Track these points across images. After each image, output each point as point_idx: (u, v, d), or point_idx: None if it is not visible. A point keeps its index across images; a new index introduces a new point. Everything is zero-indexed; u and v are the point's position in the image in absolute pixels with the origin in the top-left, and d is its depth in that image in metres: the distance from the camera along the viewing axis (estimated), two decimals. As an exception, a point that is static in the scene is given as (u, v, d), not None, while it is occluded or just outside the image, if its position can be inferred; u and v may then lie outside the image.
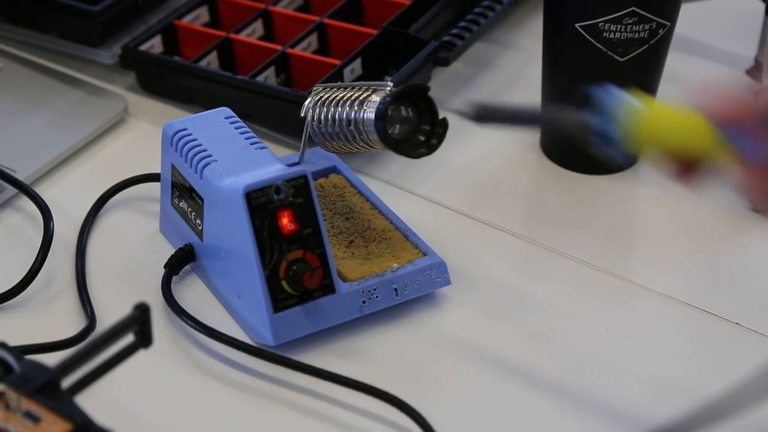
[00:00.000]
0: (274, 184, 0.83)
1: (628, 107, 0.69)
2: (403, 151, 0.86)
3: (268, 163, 0.86)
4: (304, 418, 0.81)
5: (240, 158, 0.87)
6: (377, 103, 0.85)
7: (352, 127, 0.87)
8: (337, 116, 0.88)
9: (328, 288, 0.85)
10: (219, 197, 0.85)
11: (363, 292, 0.86)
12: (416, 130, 0.87)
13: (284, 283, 0.83)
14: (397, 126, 0.87)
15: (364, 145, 0.88)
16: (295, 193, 0.84)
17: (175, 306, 0.86)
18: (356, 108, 0.87)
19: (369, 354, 0.86)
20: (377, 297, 0.86)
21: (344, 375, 0.81)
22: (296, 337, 0.84)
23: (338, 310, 0.85)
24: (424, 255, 0.89)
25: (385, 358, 0.86)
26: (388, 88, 0.86)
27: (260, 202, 0.83)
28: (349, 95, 0.88)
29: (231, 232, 0.84)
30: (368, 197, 0.95)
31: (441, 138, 0.87)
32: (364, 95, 0.87)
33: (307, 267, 0.83)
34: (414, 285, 0.88)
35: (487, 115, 0.77)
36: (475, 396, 0.83)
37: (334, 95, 0.89)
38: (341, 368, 0.84)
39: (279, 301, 0.83)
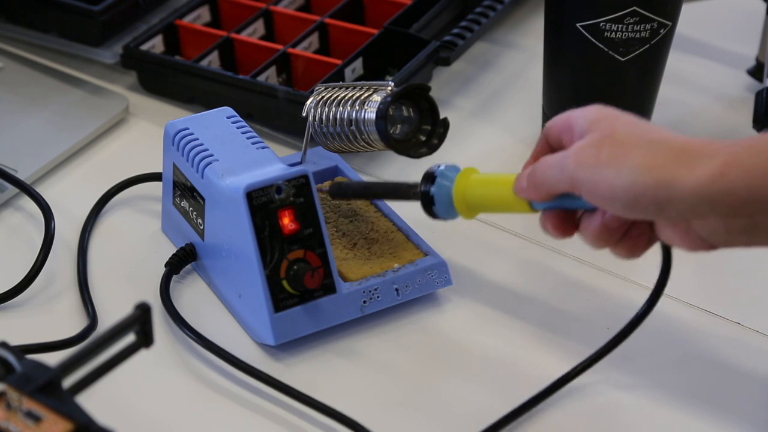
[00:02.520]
0: (275, 183, 0.83)
1: (449, 180, 0.80)
2: (404, 151, 0.86)
3: (270, 162, 0.86)
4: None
5: (241, 158, 0.87)
6: (378, 103, 0.85)
7: (353, 127, 0.87)
8: (338, 116, 0.88)
9: (328, 288, 0.85)
10: (220, 197, 0.85)
11: (364, 292, 0.86)
12: (417, 130, 0.87)
13: (285, 283, 0.83)
14: (398, 126, 0.87)
15: (366, 145, 0.88)
16: (296, 192, 0.84)
17: (172, 311, 0.86)
18: (357, 108, 0.87)
19: (369, 354, 0.86)
20: (378, 297, 0.86)
21: (322, 402, 0.81)
22: (297, 336, 0.84)
23: (339, 309, 0.85)
24: (426, 255, 0.89)
25: (385, 358, 0.86)
26: (389, 88, 0.86)
27: (261, 202, 0.83)
28: (350, 95, 0.88)
29: (232, 231, 0.84)
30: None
31: (442, 138, 0.87)
32: (366, 95, 0.87)
33: (308, 267, 0.83)
34: (415, 285, 0.88)
35: (339, 192, 0.89)
36: (475, 396, 0.83)
37: (335, 95, 0.89)
38: (341, 368, 0.84)
39: (279, 300, 0.83)
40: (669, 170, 0.69)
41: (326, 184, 0.92)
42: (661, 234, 0.73)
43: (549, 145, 0.78)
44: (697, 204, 0.69)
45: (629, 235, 0.75)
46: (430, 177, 0.81)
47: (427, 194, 0.80)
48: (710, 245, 0.72)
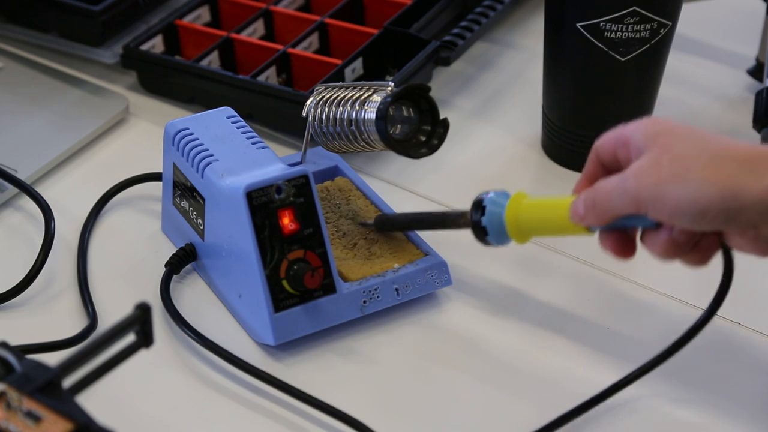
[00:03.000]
0: (275, 183, 0.83)
1: (502, 205, 0.80)
2: (404, 151, 0.86)
3: (270, 162, 0.86)
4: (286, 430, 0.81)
5: (241, 158, 0.87)
6: (378, 103, 0.85)
7: (353, 127, 0.87)
8: (338, 116, 0.88)
9: (328, 288, 0.85)
10: (220, 197, 0.85)
11: (364, 291, 0.86)
12: (417, 130, 0.87)
13: (285, 283, 0.83)
14: (399, 126, 0.87)
15: (366, 145, 0.88)
16: (296, 192, 0.84)
17: (173, 311, 0.86)
18: (357, 108, 0.87)
19: (370, 354, 0.86)
20: (378, 297, 0.86)
21: (323, 400, 0.81)
22: (297, 336, 0.84)
23: (339, 309, 0.85)
24: (426, 255, 0.89)
25: (385, 358, 0.86)
26: (389, 88, 0.86)
27: (261, 202, 0.83)
28: (350, 95, 0.88)
29: (232, 231, 0.84)
30: (372, 199, 0.95)
31: (442, 138, 0.87)
32: (366, 95, 0.87)
33: (308, 267, 0.83)
34: (415, 285, 0.88)
35: (385, 223, 0.90)
36: (476, 395, 0.83)
37: (335, 95, 0.89)
38: (342, 368, 0.84)
39: (279, 300, 0.83)
40: (734, 180, 0.69)
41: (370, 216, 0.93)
42: (731, 242, 0.74)
43: (601, 164, 0.77)
44: (766, 211, 0.69)
45: (699, 245, 0.75)
46: (479, 205, 0.81)
47: (479, 223, 0.81)
48: None
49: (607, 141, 0.77)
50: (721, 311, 0.90)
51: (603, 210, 0.74)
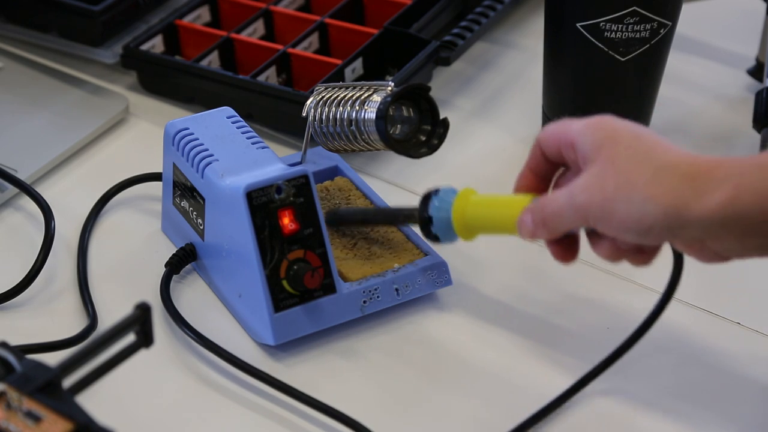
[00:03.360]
0: (275, 183, 0.83)
1: (449, 201, 0.80)
2: (404, 151, 0.86)
3: (270, 162, 0.86)
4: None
5: (241, 158, 0.87)
6: (378, 103, 0.85)
7: (353, 127, 0.87)
8: (338, 116, 0.88)
9: (328, 288, 0.85)
10: (220, 197, 0.85)
11: (364, 292, 0.86)
12: (417, 130, 0.87)
13: (285, 283, 0.83)
14: (399, 126, 0.87)
15: (366, 145, 0.88)
16: (296, 192, 0.84)
17: (173, 311, 0.86)
18: (357, 108, 0.87)
19: (369, 354, 0.86)
20: (378, 297, 0.86)
21: (323, 401, 0.81)
22: (297, 336, 0.84)
23: (339, 309, 0.85)
24: (426, 255, 0.89)
25: (385, 358, 0.85)
26: (389, 88, 0.86)
27: (261, 202, 0.83)
28: (350, 95, 0.88)
29: (232, 231, 0.84)
30: (372, 199, 0.94)
31: (442, 138, 0.87)
32: (366, 95, 0.87)
33: (308, 267, 0.83)
34: (415, 285, 0.88)
35: (336, 218, 0.89)
36: (476, 395, 0.83)
37: (335, 95, 0.89)
38: (342, 369, 0.84)
39: (279, 300, 0.83)
40: (677, 198, 0.69)
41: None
42: (677, 248, 0.75)
43: (544, 157, 0.78)
44: (710, 228, 0.69)
45: (642, 249, 0.76)
46: (427, 200, 0.81)
47: (425, 218, 0.81)
48: (725, 258, 0.73)
49: (551, 137, 0.77)
50: (721, 311, 0.90)
51: (554, 227, 0.75)
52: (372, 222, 0.90)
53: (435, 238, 0.82)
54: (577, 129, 0.74)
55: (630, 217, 0.70)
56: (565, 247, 0.77)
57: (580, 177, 0.73)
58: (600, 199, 0.71)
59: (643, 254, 0.76)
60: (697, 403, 0.83)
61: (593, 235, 0.76)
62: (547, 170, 0.79)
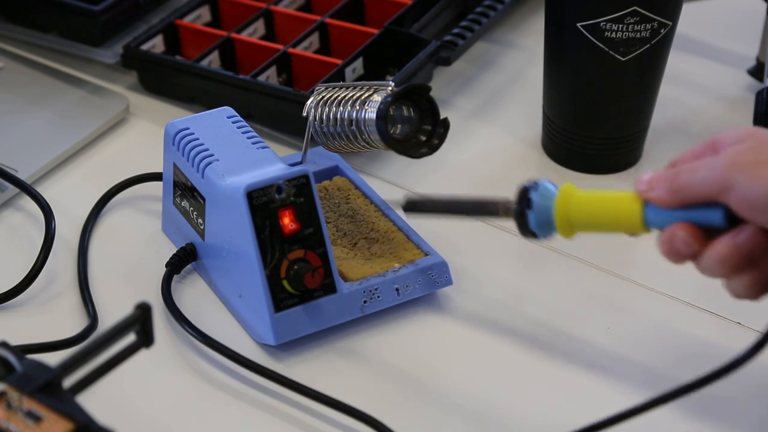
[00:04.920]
0: (275, 183, 0.83)
1: (551, 197, 0.75)
2: (405, 151, 0.86)
3: (270, 162, 0.86)
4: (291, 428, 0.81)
5: (242, 158, 0.87)
6: (378, 103, 0.85)
7: (353, 127, 0.87)
8: (338, 116, 0.88)
9: (329, 288, 0.85)
10: (221, 197, 0.85)
11: (364, 291, 0.86)
12: (417, 130, 0.87)
13: (285, 283, 0.83)
14: (399, 126, 0.87)
15: (366, 145, 0.88)
16: (297, 192, 0.84)
17: (174, 310, 0.86)
18: (357, 108, 0.87)
19: (370, 354, 0.86)
20: (379, 297, 0.86)
21: (330, 396, 0.81)
22: (297, 336, 0.84)
23: (339, 309, 0.85)
24: (426, 255, 0.89)
25: (386, 358, 0.86)
26: (389, 88, 0.86)
27: (261, 202, 0.83)
28: (350, 95, 0.88)
29: (232, 231, 0.84)
30: (371, 199, 0.95)
31: (442, 138, 0.87)
32: (366, 95, 0.87)
33: (309, 267, 0.83)
34: (416, 285, 0.88)
35: (418, 205, 0.84)
36: (476, 396, 0.83)
37: (335, 95, 0.89)
38: (342, 368, 0.84)
39: (280, 300, 0.83)
40: None
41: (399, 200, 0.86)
42: None
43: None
44: None
45: (757, 265, 0.70)
46: (525, 193, 0.76)
47: (524, 215, 0.76)
48: None
49: (690, 153, 0.72)
50: (721, 311, 0.90)
51: (683, 186, 0.69)
52: (455, 213, 0.84)
53: (531, 234, 0.76)
54: (722, 134, 0.71)
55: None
56: (696, 231, 0.70)
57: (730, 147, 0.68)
58: (750, 161, 0.67)
59: (755, 272, 0.69)
60: (696, 404, 0.83)
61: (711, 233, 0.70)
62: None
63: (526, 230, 0.76)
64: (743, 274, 0.70)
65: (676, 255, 0.71)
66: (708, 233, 0.70)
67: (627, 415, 0.74)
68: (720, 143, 0.71)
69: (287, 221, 0.83)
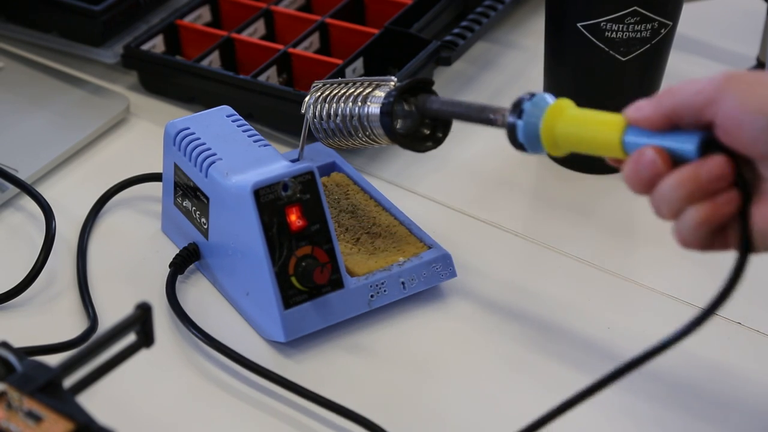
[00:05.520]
0: (281, 180, 0.83)
1: (540, 112, 0.74)
2: (410, 145, 0.86)
3: (273, 160, 0.86)
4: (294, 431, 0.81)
5: (245, 156, 0.87)
6: (382, 98, 0.85)
7: (355, 122, 0.87)
8: (340, 112, 0.88)
9: (336, 283, 0.85)
10: (226, 196, 0.85)
11: (371, 286, 0.86)
12: (420, 124, 0.87)
13: (294, 280, 0.83)
14: (399, 120, 0.87)
15: (368, 140, 0.88)
16: (303, 189, 0.84)
17: (179, 311, 0.86)
18: (360, 104, 0.87)
19: (378, 348, 0.86)
20: (385, 291, 0.86)
21: (332, 400, 0.80)
22: (307, 332, 0.84)
23: (347, 304, 0.85)
24: (429, 248, 0.89)
25: (393, 351, 0.85)
26: (392, 83, 0.86)
27: (268, 199, 0.83)
28: (351, 91, 0.88)
29: (239, 230, 0.84)
30: (371, 194, 0.95)
31: (446, 131, 0.87)
32: (367, 91, 0.87)
33: (316, 263, 0.83)
34: (421, 278, 0.88)
35: (425, 105, 0.83)
36: (479, 389, 0.83)
37: (336, 91, 0.89)
38: (350, 363, 0.84)
39: (289, 297, 0.83)
40: None
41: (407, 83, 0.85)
42: (764, 199, 0.66)
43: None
44: None
45: (713, 200, 0.67)
46: (518, 105, 0.75)
47: (513, 126, 0.75)
48: None
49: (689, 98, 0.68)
50: (723, 311, 0.90)
51: (672, 95, 0.67)
52: (458, 114, 0.83)
53: (520, 147, 0.75)
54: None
55: (758, 101, 0.64)
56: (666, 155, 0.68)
57: None
58: (747, 80, 0.65)
59: (713, 206, 0.66)
60: (697, 404, 0.83)
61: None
62: None
63: (516, 143, 0.75)
64: (696, 206, 0.67)
65: (638, 177, 0.68)
66: (677, 165, 0.68)
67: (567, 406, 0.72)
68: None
69: (294, 218, 0.83)
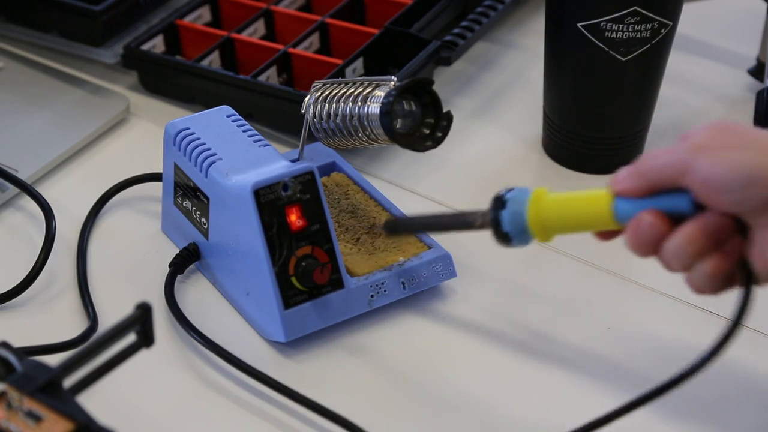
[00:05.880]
0: (281, 180, 0.83)
1: (523, 202, 0.75)
2: (409, 145, 0.86)
3: (274, 160, 0.86)
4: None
5: (245, 156, 0.87)
6: (382, 98, 0.85)
7: (355, 122, 0.87)
8: (340, 111, 0.88)
9: (336, 283, 0.85)
10: (226, 195, 0.85)
11: (371, 286, 0.86)
12: (420, 124, 0.87)
13: (294, 280, 0.83)
14: (399, 120, 0.87)
15: (368, 140, 0.88)
16: (303, 189, 0.84)
17: (178, 313, 0.86)
18: (360, 103, 0.87)
19: (378, 348, 0.86)
20: (385, 291, 0.86)
21: (326, 406, 0.80)
22: (307, 332, 0.84)
23: (347, 304, 0.85)
24: (429, 248, 0.89)
25: (394, 352, 0.85)
26: (392, 83, 0.86)
27: (268, 199, 0.83)
28: (351, 90, 0.88)
29: (239, 230, 0.84)
30: (371, 193, 0.95)
31: (446, 131, 0.87)
32: (367, 90, 0.87)
33: (316, 263, 0.83)
34: (421, 278, 0.88)
35: (398, 227, 0.86)
36: (480, 389, 0.83)
37: (336, 91, 0.89)
38: (351, 363, 0.84)
39: (289, 297, 0.83)
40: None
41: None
42: (757, 243, 0.69)
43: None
44: None
45: (721, 251, 0.70)
46: (498, 203, 0.76)
47: (498, 221, 0.75)
48: None
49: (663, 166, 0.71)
50: (723, 311, 0.90)
51: (647, 170, 0.70)
52: (434, 229, 0.86)
53: (508, 241, 0.76)
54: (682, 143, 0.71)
55: (741, 164, 0.67)
56: (662, 218, 0.71)
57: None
58: (713, 145, 0.68)
59: (721, 256, 0.70)
60: (697, 404, 0.83)
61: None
62: None
63: (503, 239, 0.76)
64: (707, 260, 0.70)
65: (642, 242, 0.70)
66: (675, 222, 0.70)
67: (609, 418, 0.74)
68: (689, 134, 0.71)
69: (294, 218, 0.83)
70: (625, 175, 0.71)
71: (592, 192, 0.73)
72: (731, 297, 0.91)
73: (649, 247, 0.71)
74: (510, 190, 0.76)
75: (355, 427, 0.79)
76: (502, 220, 0.75)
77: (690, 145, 0.69)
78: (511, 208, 0.75)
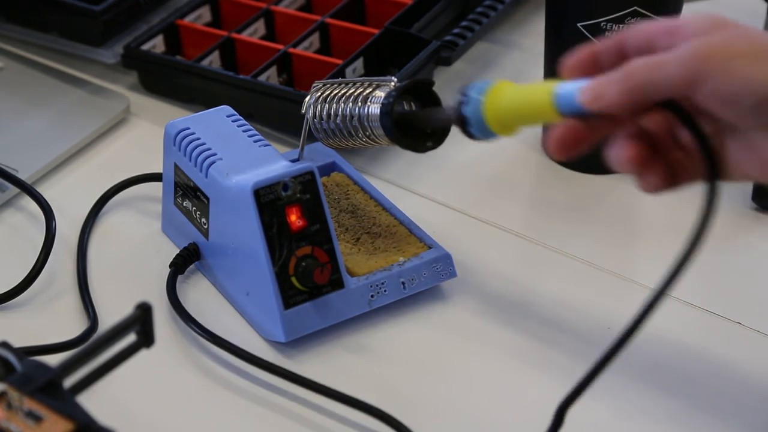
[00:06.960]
0: (281, 180, 0.83)
1: (481, 91, 0.75)
2: (410, 146, 0.86)
3: (274, 160, 0.86)
4: (301, 428, 0.81)
5: (245, 156, 0.87)
6: (383, 98, 0.85)
7: (356, 122, 0.87)
8: (340, 112, 0.88)
9: (337, 283, 0.85)
10: (226, 195, 0.85)
11: (371, 286, 0.86)
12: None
13: (294, 280, 0.83)
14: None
15: (368, 140, 0.88)
16: (303, 189, 0.84)
17: (181, 310, 0.86)
18: (360, 104, 0.87)
19: (378, 348, 0.86)
20: (385, 291, 0.87)
21: (339, 390, 0.81)
22: (307, 333, 0.84)
23: (347, 304, 0.85)
24: (429, 248, 0.89)
25: (394, 352, 0.86)
26: (392, 83, 0.86)
27: (269, 199, 0.83)
28: (352, 91, 0.88)
29: (239, 230, 0.84)
30: (371, 193, 0.95)
31: (446, 131, 0.87)
32: (368, 91, 0.87)
33: (317, 263, 0.83)
34: (421, 278, 0.88)
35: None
36: (480, 389, 0.83)
37: (336, 91, 0.89)
38: (351, 364, 0.85)
39: (289, 297, 0.83)
40: None
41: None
42: (732, 155, 0.65)
43: (617, 49, 0.67)
44: None
45: (666, 154, 0.66)
46: (462, 98, 0.77)
47: (460, 114, 0.76)
48: None
49: (640, 30, 0.66)
50: (721, 311, 0.90)
51: (640, 82, 0.63)
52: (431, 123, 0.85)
53: (471, 135, 0.77)
54: (681, 19, 0.65)
55: (758, 79, 0.61)
56: (658, 173, 0.68)
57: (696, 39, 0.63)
58: (727, 53, 0.62)
59: (663, 165, 0.66)
60: (697, 405, 0.83)
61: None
62: (608, 63, 0.68)
63: (465, 131, 0.77)
64: (652, 168, 0.68)
65: (562, 149, 0.70)
66: None
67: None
68: (682, 32, 0.65)
69: (294, 218, 0.83)
70: (611, 89, 0.65)
71: (539, 85, 0.73)
72: (731, 297, 0.91)
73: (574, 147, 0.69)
74: (473, 83, 0.77)
75: (367, 405, 0.79)
76: (464, 105, 0.76)
77: (699, 54, 0.62)
78: (471, 94, 0.76)
